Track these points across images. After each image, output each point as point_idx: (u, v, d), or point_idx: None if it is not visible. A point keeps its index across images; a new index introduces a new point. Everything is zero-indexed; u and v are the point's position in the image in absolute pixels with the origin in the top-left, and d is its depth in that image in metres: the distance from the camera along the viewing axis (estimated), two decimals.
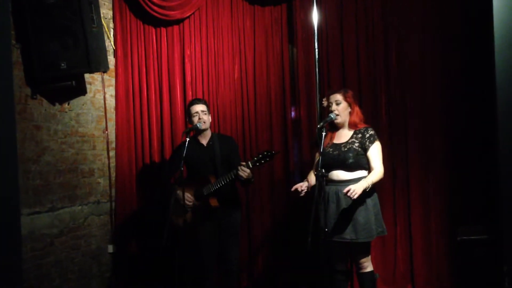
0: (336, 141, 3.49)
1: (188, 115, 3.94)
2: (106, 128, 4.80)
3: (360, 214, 3.31)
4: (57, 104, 4.23)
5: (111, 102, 4.88)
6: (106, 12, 4.82)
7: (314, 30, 4.43)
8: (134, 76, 4.89)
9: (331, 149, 3.44)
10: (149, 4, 4.69)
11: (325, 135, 3.33)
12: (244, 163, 3.64)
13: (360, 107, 3.58)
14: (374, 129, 3.48)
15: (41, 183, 4.03)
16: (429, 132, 4.27)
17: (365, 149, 3.38)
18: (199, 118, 3.85)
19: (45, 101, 4.11)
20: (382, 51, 4.38)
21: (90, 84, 4.60)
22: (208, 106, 3.97)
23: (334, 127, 3.54)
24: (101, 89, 4.76)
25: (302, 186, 3.47)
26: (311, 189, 3.49)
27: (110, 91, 4.88)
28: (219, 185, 3.73)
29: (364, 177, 3.41)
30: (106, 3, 4.84)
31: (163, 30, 4.85)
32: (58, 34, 3.86)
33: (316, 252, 3.24)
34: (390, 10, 4.36)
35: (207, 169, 3.88)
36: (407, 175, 4.31)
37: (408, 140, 4.31)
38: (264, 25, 4.68)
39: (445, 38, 4.23)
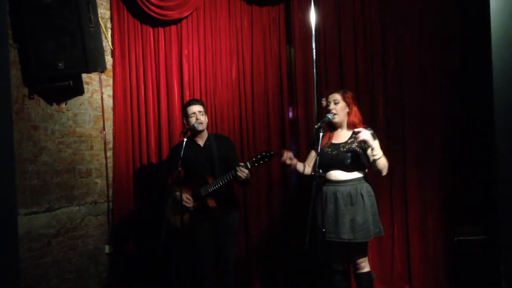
0: (334, 141, 3.49)
1: (185, 115, 3.93)
2: (104, 128, 4.79)
3: (358, 214, 3.32)
4: (54, 104, 4.22)
5: (108, 102, 4.87)
6: (103, 12, 4.82)
7: (311, 30, 4.43)
8: (131, 76, 4.88)
9: (329, 149, 3.44)
10: (147, 4, 4.69)
11: (323, 136, 3.34)
12: (242, 164, 3.64)
13: (359, 108, 3.58)
14: (372, 129, 3.48)
15: (38, 183, 4.02)
16: (426, 132, 4.28)
17: (364, 149, 3.39)
18: (197, 119, 3.85)
19: (42, 101, 4.10)
20: (380, 51, 4.38)
21: (88, 84, 4.59)
22: (205, 107, 3.98)
23: (333, 127, 3.55)
24: (99, 89, 4.75)
25: (293, 160, 3.50)
26: (294, 169, 3.57)
27: (108, 91, 4.88)
28: (217, 185, 3.73)
29: (362, 177, 3.42)
30: (104, 3, 4.84)
31: (161, 30, 4.85)
32: (56, 34, 3.86)
33: (313, 252, 3.24)
34: (388, 10, 4.37)
35: (204, 169, 3.88)
36: (405, 175, 4.32)
37: (406, 140, 4.32)
38: (262, 25, 4.68)
39: (443, 38, 4.24)
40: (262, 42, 4.68)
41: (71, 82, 4.10)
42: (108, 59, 4.80)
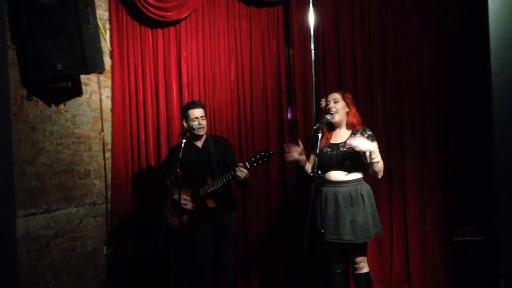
0: (333, 141, 3.49)
1: (186, 118, 3.92)
2: (102, 130, 4.79)
3: (359, 215, 3.32)
4: (52, 105, 4.22)
5: (107, 103, 4.87)
6: (102, 13, 4.81)
7: (310, 32, 4.43)
8: (130, 77, 4.88)
9: (328, 149, 3.44)
10: (146, 5, 4.69)
11: (321, 136, 3.34)
12: (241, 164, 3.64)
13: (357, 109, 3.58)
14: (370, 130, 3.49)
15: (37, 185, 4.01)
16: (425, 133, 4.29)
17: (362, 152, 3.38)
18: (199, 124, 3.85)
19: (40, 102, 4.09)
20: (378, 53, 4.39)
21: (86, 85, 4.58)
22: (205, 110, 3.98)
23: (332, 127, 3.55)
24: (97, 90, 4.75)
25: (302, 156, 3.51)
26: (302, 166, 3.58)
27: (106, 92, 4.87)
28: (216, 186, 3.74)
29: (361, 177, 3.42)
30: (102, 4, 4.83)
31: (160, 31, 4.85)
32: (54, 35, 3.85)
33: (312, 253, 3.24)
34: (387, 11, 4.38)
35: (202, 170, 3.88)
36: (403, 176, 4.32)
37: (404, 141, 4.32)
38: (261, 26, 4.68)
39: (441, 39, 4.25)
40: (260, 44, 4.68)
41: (69, 83, 4.09)
42: (107, 60, 4.79)
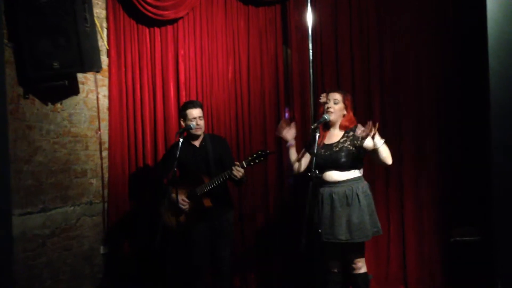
0: (327, 141, 3.50)
1: (183, 117, 3.92)
2: (99, 128, 4.77)
3: (354, 215, 3.32)
4: (49, 104, 4.20)
5: (104, 102, 4.85)
6: (99, 11, 4.79)
7: (308, 31, 4.43)
8: (127, 76, 4.86)
9: (322, 150, 3.44)
10: (143, 3, 4.67)
11: (319, 136, 3.34)
12: (238, 163, 3.64)
13: (354, 113, 3.58)
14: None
15: (33, 183, 3.99)
16: (422, 132, 4.29)
17: (358, 146, 3.38)
18: (197, 124, 3.85)
19: (37, 101, 4.07)
20: (376, 52, 4.39)
21: (83, 84, 4.57)
22: (203, 109, 3.98)
23: (327, 127, 3.55)
24: (94, 89, 4.73)
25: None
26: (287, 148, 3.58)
27: (103, 91, 4.85)
28: (213, 185, 3.74)
29: (358, 176, 3.41)
30: (100, 3, 4.81)
31: (157, 30, 4.83)
32: (51, 33, 3.83)
33: (310, 253, 3.24)
34: (384, 10, 4.38)
35: (200, 169, 3.88)
36: (401, 176, 4.33)
37: (402, 140, 4.33)
38: (258, 25, 4.67)
39: (440, 39, 4.25)
40: (258, 43, 4.67)
41: (66, 82, 4.07)
42: (104, 59, 4.77)
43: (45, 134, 4.15)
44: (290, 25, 4.60)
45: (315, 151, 3.26)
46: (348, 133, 3.45)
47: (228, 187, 4.01)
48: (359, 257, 3.43)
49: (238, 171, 3.62)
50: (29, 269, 3.92)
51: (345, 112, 3.50)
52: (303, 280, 4.38)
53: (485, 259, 3.82)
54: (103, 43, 4.80)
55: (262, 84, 4.67)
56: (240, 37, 4.71)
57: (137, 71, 4.86)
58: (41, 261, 4.05)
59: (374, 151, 3.31)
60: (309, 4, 4.40)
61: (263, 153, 3.64)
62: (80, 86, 4.50)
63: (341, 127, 3.50)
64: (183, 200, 3.81)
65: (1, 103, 3.35)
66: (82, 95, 4.55)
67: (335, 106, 3.47)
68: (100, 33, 4.68)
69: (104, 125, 4.84)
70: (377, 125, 3.20)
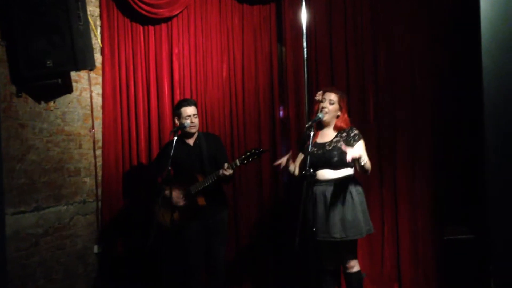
0: (319, 140, 3.50)
1: (178, 115, 3.92)
2: (93, 127, 4.75)
3: (348, 212, 3.33)
4: (42, 102, 4.17)
5: (97, 100, 4.83)
6: (93, 9, 4.77)
7: (302, 29, 4.42)
8: (121, 75, 4.84)
9: (315, 149, 3.45)
10: (137, 1, 4.65)
11: (313, 135, 3.34)
12: (227, 164, 3.66)
13: (349, 113, 3.58)
14: (361, 128, 3.50)
15: (26, 182, 3.97)
16: (416, 132, 4.29)
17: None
18: (192, 122, 3.85)
19: (30, 99, 4.05)
20: (370, 50, 4.39)
21: (77, 82, 4.55)
22: (197, 108, 3.97)
23: (320, 126, 3.55)
24: (88, 87, 4.71)
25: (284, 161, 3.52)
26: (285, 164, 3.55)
27: (97, 90, 4.83)
28: (207, 183, 3.74)
29: (350, 175, 3.42)
30: (93, 1, 4.79)
31: (151, 28, 4.81)
32: (44, 31, 3.81)
33: (304, 252, 3.24)
34: (379, 9, 4.38)
35: (194, 168, 3.87)
36: (394, 175, 4.33)
37: (396, 140, 4.33)
38: (253, 23, 4.66)
39: (434, 39, 4.25)
40: (253, 41, 4.66)
41: (59, 80, 4.05)
42: (97, 57, 4.75)
43: (38, 132, 4.12)
44: (284, 23, 4.59)
45: (310, 150, 3.26)
46: (342, 133, 3.45)
47: (222, 186, 4.01)
48: (352, 256, 3.44)
49: (225, 172, 3.63)
50: (22, 268, 3.90)
51: (339, 113, 3.50)
52: (297, 279, 4.38)
53: (478, 257, 3.83)
54: (96, 41, 4.78)
55: (256, 82, 4.66)
56: (235, 35, 4.70)
57: (131, 69, 4.84)
58: (34, 260, 4.03)
59: (358, 166, 3.33)
60: (303, 3, 4.40)
61: (257, 151, 3.65)
62: (74, 84, 4.48)
63: (335, 128, 3.51)
64: (177, 196, 3.81)
65: None
66: (75, 93, 4.53)
67: (330, 106, 3.47)
68: (93, 31, 4.66)
69: (98, 123, 4.82)
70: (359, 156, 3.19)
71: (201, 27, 4.75)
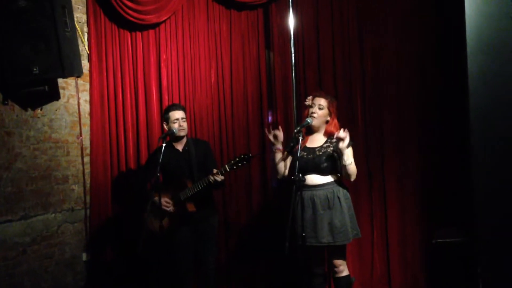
0: (309, 145, 3.51)
1: (166, 120, 3.91)
2: (81, 134, 4.72)
3: (336, 218, 3.33)
4: (29, 109, 4.15)
5: (85, 107, 4.81)
6: (80, 16, 4.75)
7: (290, 35, 4.44)
8: (109, 81, 4.82)
9: (305, 153, 3.45)
10: (124, 8, 4.64)
11: (303, 140, 3.34)
12: (216, 170, 3.66)
13: (339, 119, 3.60)
14: (349, 132, 3.50)
15: (13, 191, 3.94)
16: (404, 136, 4.31)
17: (339, 153, 3.39)
18: (180, 125, 3.84)
19: (16, 107, 4.02)
20: (357, 55, 4.41)
21: (64, 89, 4.52)
22: (186, 113, 3.97)
23: (310, 131, 3.56)
24: (75, 94, 4.68)
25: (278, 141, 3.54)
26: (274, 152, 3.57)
27: (84, 96, 4.81)
28: (196, 189, 3.73)
29: (338, 180, 3.43)
30: (80, 7, 4.77)
31: (139, 34, 4.80)
32: (30, 38, 3.79)
33: (293, 256, 3.24)
34: (366, 14, 4.40)
35: (183, 174, 3.87)
36: (384, 179, 4.35)
37: (384, 143, 4.35)
38: (241, 29, 4.67)
39: (420, 42, 4.28)
40: (241, 47, 4.67)
41: (46, 87, 4.03)
42: (85, 64, 4.73)
43: (25, 140, 4.09)
44: (272, 29, 4.60)
45: (298, 155, 3.26)
46: (332, 139, 3.46)
47: (212, 191, 4.00)
48: (341, 260, 3.44)
49: (215, 178, 3.63)
50: (9, 277, 3.87)
51: (328, 118, 3.51)
52: (287, 283, 4.38)
53: (467, 260, 3.86)
54: (84, 48, 4.76)
55: (245, 87, 4.67)
56: (223, 41, 4.70)
57: (119, 76, 4.82)
58: (22, 269, 3.99)
59: (342, 166, 3.34)
60: (291, 8, 4.41)
61: (245, 157, 3.66)
62: (61, 91, 4.46)
63: (325, 133, 3.51)
64: (166, 202, 3.79)
65: None
66: (63, 100, 4.50)
67: (319, 111, 3.47)
68: (81, 38, 4.64)
69: (86, 130, 4.80)
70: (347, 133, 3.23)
71: (189, 33, 4.75)
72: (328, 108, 3.49)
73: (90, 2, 4.81)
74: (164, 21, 4.73)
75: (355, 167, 3.38)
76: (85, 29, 4.83)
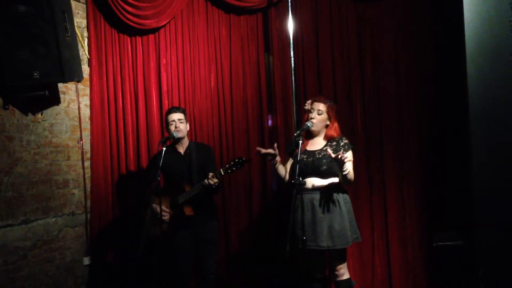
0: (309, 148, 3.51)
1: (166, 123, 3.95)
2: (81, 138, 4.73)
3: (336, 221, 3.33)
4: (30, 114, 4.15)
5: (85, 111, 4.81)
6: (80, 21, 4.77)
7: (289, 39, 4.45)
8: (109, 86, 4.84)
9: (304, 156, 3.46)
10: (124, 13, 4.66)
11: (302, 143, 3.35)
12: (211, 174, 3.65)
13: (338, 119, 3.60)
14: (349, 135, 3.52)
15: (14, 195, 3.94)
16: (404, 139, 4.32)
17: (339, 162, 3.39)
18: (176, 127, 3.85)
19: (17, 111, 4.03)
20: (357, 59, 4.43)
21: (64, 93, 4.53)
22: (185, 115, 3.98)
23: (310, 135, 3.56)
24: (76, 99, 4.69)
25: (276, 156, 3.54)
26: (275, 168, 3.60)
27: (85, 101, 4.82)
28: (194, 193, 3.74)
29: (338, 183, 3.43)
30: (80, 12, 4.79)
31: (139, 39, 4.82)
32: (30, 43, 3.79)
33: (294, 260, 3.24)
34: (365, 18, 4.42)
35: (183, 177, 3.88)
36: (384, 182, 4.35)
37: (384, 146, 4.36)
38: (240, 33, 4.68)
39: (419, 46, 4.30)
40: (240, 51, 4.68)
41: (47, 91, 4.03)
42: (85, 68, 4.74)
43: (26, 145, 4.10)
44: (271, 33, 4.62)
45: (298, 158, 3.27)
46: (332, 142, 3.47)
47: (212, 196, 4.00)
48: (341, 264, 3.44)
49: (209, 182, 3.63)
50: (10, 282, 3.86)
51: (328, 123, 3.52)
52: (288, 287, 4.38)
53: (467, 263, 3.86)
54: (84, 53, 4.77)
55: (244, 91, 4.68)
56: (222, 45, 4.71)
57: (119, 80, 4.83)
58: (23, 274, 3.99)
59: (340, 174, 3.34)
60: (290, 12, 4.43)
61: (240, 160, 3.67)
62: (61, 95, 4.46)
63: (325, 137, 3.52)
64: (163, 211, 3.80)
65: None
66: (63, 105, 4.51)
67: (318, 116, 3.48)
68: (81, 42, 4.65)
69: (86, 134, 4.80)
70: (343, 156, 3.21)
71: (188, 38, 4.76)
72: (327, 113, 3.50)
73: (90, 7, 4.83)
74: (164, 25, 4.74)
75: (353, 173, 3.38)
76: (85, 34, 4.85)
